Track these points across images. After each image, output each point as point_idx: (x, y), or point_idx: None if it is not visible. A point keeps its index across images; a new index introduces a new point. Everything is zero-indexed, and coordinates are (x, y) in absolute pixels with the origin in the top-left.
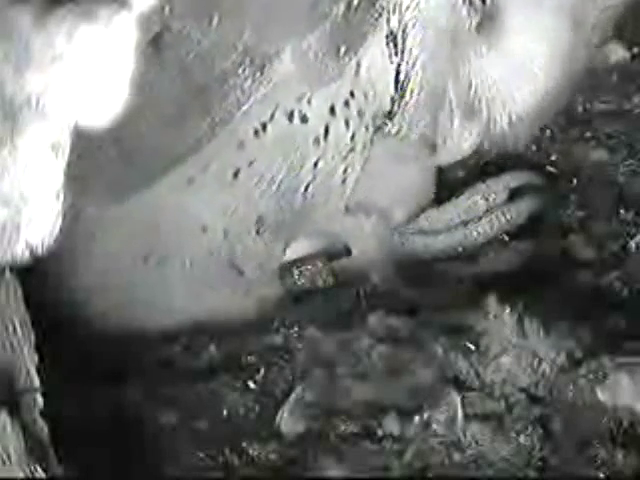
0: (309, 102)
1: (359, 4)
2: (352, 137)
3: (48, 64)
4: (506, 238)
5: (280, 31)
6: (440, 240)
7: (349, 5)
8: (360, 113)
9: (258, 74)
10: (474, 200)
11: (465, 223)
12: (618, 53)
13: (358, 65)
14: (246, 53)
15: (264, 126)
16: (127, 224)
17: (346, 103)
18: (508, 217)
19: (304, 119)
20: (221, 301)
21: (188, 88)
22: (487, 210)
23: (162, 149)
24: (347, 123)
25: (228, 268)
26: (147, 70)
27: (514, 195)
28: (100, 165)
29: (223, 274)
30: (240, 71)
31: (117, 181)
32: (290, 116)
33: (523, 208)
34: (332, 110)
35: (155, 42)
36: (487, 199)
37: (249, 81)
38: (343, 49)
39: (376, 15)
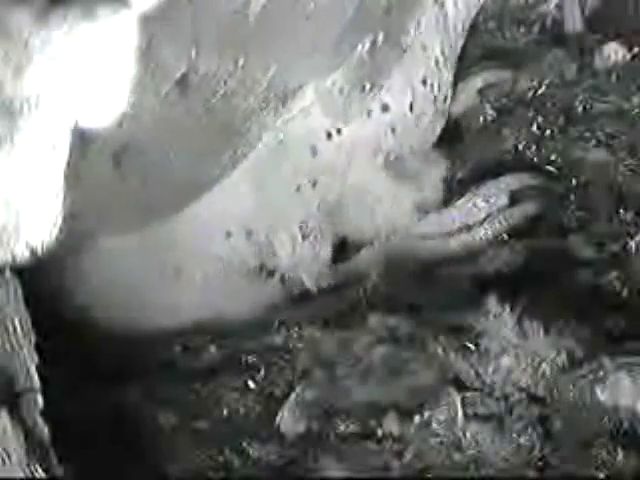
0: (389, 90)
1: (384, 41)
2: (434, 101)
3: (48, 63)
4: (506, 238)
5: (305, 67)
6: (442, 244)
7: (374, 42)
8: (448, 68)
9: (280, 107)
10: (475, 202)
11: (468, 227)
12: (618, 53)
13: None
14: (270, 89)
15: (339, 130)
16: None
17: (436, 62)
18: (510, 221)
19: (385, 108)
20: (227, 302)
21: (212, 126)
22: (488, 213)
23: (186, 181)
24: (432, 87)
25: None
26: (173, 109)
27: (514, 196)
28: (124, 196)
29: (242, 278)
30: (263, 105)
31: (139, 212)
32: (369, 113)
33: (524, 210)
34: (424, 82)
35: (181, 83)
36: (488, 201)
37: (271, 115)
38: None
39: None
